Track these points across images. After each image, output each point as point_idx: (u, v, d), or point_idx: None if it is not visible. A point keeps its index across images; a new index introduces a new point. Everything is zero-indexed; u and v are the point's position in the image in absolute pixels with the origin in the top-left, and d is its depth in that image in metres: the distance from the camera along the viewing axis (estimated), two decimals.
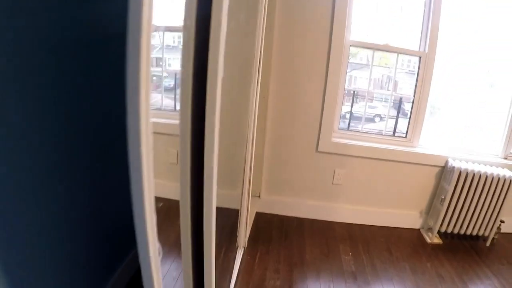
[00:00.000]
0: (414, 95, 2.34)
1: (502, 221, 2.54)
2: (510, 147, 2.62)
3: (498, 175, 2.33)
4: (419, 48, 2.31)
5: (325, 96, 2.19)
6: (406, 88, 2.48)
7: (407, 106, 2.47)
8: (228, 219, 2.26)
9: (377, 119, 2.59)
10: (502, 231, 2.60)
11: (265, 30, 1.93)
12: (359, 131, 2.42)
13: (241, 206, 1.95)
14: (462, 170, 2.26)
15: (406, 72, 2.49)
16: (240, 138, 1.79)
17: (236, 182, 1.88)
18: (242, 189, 1.90)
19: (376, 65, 2.56)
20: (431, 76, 2.30)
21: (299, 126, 2.26)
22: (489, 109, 2.67)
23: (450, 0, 2.26)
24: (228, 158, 2.23)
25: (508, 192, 2.38)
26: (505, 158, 2.62)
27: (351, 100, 2.46)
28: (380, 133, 2.47)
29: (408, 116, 2.41)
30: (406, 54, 2.34)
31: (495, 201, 2.39)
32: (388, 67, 2.58)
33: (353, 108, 2.52)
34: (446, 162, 2.38)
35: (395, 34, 2.38)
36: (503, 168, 2.46)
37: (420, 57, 2.29)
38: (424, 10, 2.27)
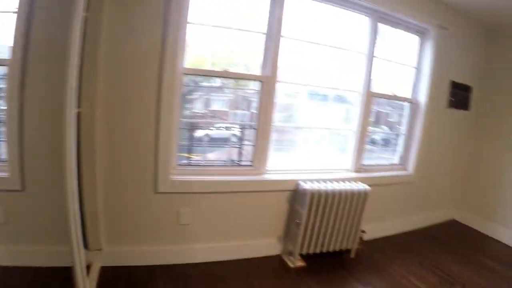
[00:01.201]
0: (258, 120, 2.24)
1: (363, 231, 2.60)
2: (360, 161, 2.71)
3: (351, 190, 2.35)
4: (262, 72, 2.22)
5: (158, 131, 1.94)
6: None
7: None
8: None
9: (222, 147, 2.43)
10: (365, 239, 2.67)
11: (87, 65, 1.72)
12: (201, 165, 2.22)
13: (74, 264, 1.60)
14: (313, 192, 2.22)
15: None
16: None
17: (62, 236, 1.54)
18: (71, 244, 1.56)
19: (233, 88, 2.43)
20: (273, 99, 2.22)
21: (134, 167, 1.96)
22: (339, 127, 2.73)
23: (291, 22, 2.22)
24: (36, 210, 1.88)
25: (364, 204, 2.43)
26: (357, 171, 2.70)
27: (192, 130, 2.26)
28: (225, 164, 2.30)
29: (253, 143, 2.30)
30: (247, 79, 2.23)
31: (352, 214, 2.42)
32: (245, 89, 2.47)
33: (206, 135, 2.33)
34: (297, 185, 2.33)
35: (239, 60, 2.26)
36: (356, 181, 2.51)
37: (261, 81, 2.20)
38: (267, 34, 2.18)
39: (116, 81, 1.85)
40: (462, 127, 3.35)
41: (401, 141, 3.03)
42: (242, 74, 2.18)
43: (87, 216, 1.92)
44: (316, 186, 2.27)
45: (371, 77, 2.58)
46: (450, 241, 3.07)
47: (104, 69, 1.81)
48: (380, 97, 2.78)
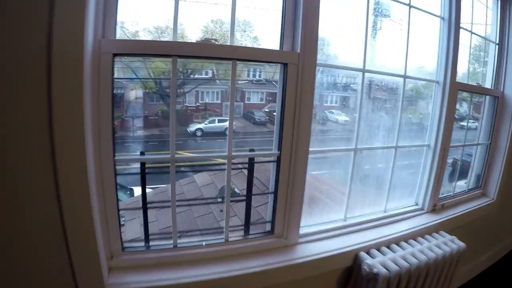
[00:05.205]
0: (280, 149, 1.06)
1: None
2: (437, 194, 1.59)
3: (442, 255, 1.25)
4: (285, 47, 1.05)
5: (61, 184, 0.76)
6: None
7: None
8: None
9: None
10: None
11: None
12: (169, 249, 0.99)
13: None
14: (391, 274, 1.09)
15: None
16: None
17: None
18: None
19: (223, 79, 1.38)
20: (312, 97, 1.06)
21: (32, 261, 0.78)
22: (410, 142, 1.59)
23: None
24: None
25: (456, 268, 1.36)
26: (433, 209, 1.59)
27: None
28: (217, 232, 1.09)
29: (273, 187, 1.10)
30: (253, 60, 1.03)
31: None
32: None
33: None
34: (356, 259, 1.19)
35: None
36: (437, 231, 1.43)
37: (285, 64, 1.03)
38: None
39: None
40: None
41: (478, 153, 1.94)
42: (244, 48, 0.99)
43: None
44: (389, 259, 1.15)
45: (457, 59, 1.46)
46: None
47: None
48: (468, 91, 1.67)
